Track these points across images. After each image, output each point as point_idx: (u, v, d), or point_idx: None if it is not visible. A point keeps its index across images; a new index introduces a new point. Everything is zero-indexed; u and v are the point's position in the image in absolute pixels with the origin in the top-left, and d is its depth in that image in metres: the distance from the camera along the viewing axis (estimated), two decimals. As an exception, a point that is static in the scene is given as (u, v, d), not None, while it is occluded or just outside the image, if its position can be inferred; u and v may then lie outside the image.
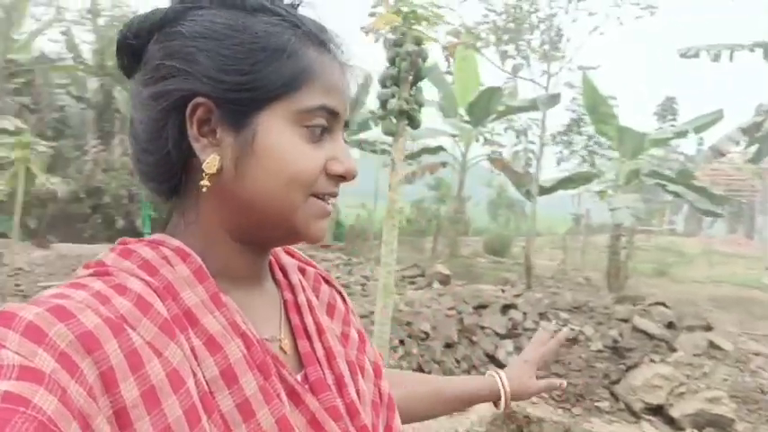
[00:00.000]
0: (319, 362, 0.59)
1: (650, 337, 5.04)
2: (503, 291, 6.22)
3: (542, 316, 5.59)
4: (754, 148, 11.00)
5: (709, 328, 5.11)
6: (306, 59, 0.54)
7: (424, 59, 4.18)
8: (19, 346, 0.39)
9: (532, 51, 9.65)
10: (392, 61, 4.24)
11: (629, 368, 4.83)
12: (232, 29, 0.52)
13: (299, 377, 0.57)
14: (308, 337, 0.60)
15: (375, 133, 14.64)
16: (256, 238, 0.56)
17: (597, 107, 10.93)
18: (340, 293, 0.71)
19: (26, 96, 13.59)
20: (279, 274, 0.64)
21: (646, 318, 5.30)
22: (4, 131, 7.75)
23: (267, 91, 0.52)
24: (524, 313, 5.62)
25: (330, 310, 0.68)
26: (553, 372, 5.02)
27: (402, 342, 4.80)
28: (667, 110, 13.16)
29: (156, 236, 0.56)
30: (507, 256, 14.08)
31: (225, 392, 0.48)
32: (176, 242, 0.54)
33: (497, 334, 5.41)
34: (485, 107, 11.90)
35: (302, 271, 0.68)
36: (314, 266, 0.71)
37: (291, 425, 0.50)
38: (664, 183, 10.30)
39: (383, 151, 15.19)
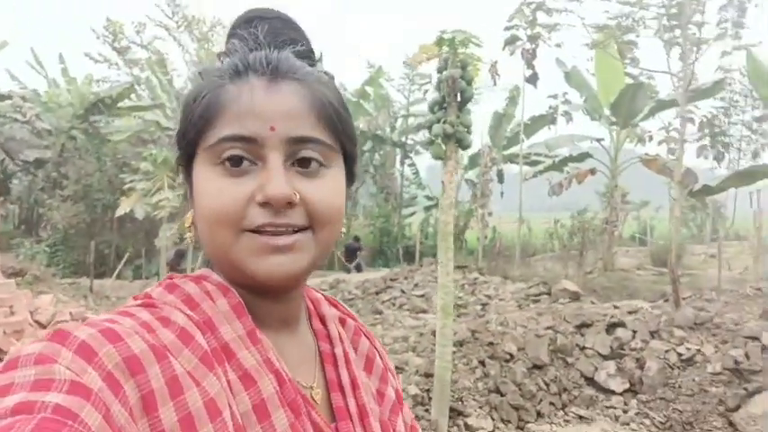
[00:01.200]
0: (351, 418, 0.58)
1: (784, 358, 4.23)
2: (616, 307, 5.73)
3: (654, 335, 5.04)
4: None
5: None
6: (220, 97, 0.53)
7: (469, 82, 4.25)
8: (71, 362, 0.41)
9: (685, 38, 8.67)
10: (438, 87, 4.40)
11: (751, 393, 4.13)
12: (183, 103, 0.57)
13: (328, 431, 0.56)
14: (342, 391, 0.59)
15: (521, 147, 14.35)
16: (237, 281, 0.55)
17: (769, 87, 9.34)
18: (377, 350, 0.69)
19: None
20: (318, 324, 0.64)
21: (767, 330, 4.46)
22: (182, 184, 9.58)
23: (187, 141, 0.54)
24: (633, 332, 5.13)
25: (368, 365, 0.66)
26: (660, 396, 4.52)
27: (482, 363, 4.78)
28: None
29: (203, 271, 0.58)
30: (679, 267, 12.48)
31: (256, 428, 0.48)
32: (219, 278, 0.56)
33: (600, 354, 5.03)
34: (629, 106, 10.94)
35: (342, 322, 0.67)
36: (355, 319, 0.70)
37: None
38: None
39: (534, 162, 14.80)
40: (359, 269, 14.54)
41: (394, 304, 7.87)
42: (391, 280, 9.37)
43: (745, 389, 4.18)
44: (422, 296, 8.33)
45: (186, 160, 0.56)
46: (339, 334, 0.64)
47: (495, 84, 5.00)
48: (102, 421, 0.39)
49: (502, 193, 18.36)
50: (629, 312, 5.48)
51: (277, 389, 0.51)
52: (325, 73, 0.59)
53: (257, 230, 0.51)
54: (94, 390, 0.40)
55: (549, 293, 7.90)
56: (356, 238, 15.86)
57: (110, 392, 0.41)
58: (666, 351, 4.77)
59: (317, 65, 0.60)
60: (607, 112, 11.50)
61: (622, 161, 12.31)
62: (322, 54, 0.61)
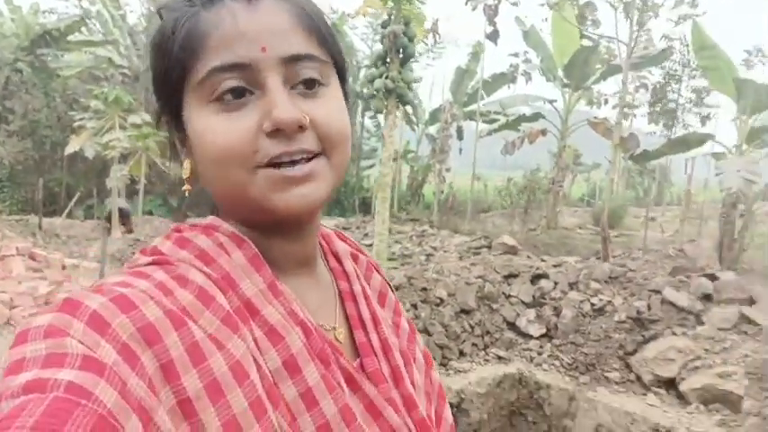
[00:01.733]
0: (375, 353, 0.58)
1: (678, 309, 4.74)
2: (543, 260, 6.16)
3: (572, 286, 5.50)
4: None
5: (751, 302, 4.63)
6: (194, 26, 0.49)
7: (411, 39, 4.39)
8: (83, 335, 0.39)
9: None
10: (381, 42, 4.53)
11: (647, 340, 4.63)
12: (154, 37, 0.52)
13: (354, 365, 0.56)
14: (364, 327, 0.60)
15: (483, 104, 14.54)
16: (253, 222, 0.54)
17: (713, 58, 9.73)
18: (387, 283, 0.70)
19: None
20: (333, 262, 0.64)
21: (682, 289, 4.96)
22: (133, 125, 9.42)
23: (171, 82, 0.50)
24: (555, 283, 5.57)
25: (382, 299, 0.67)
26: (571, 341, 5.00)
27: (414, 306, 5.14)
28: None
29: (211, 219, 0.55)
30: (618, 228, 13.20)
31: (288, 382, 0.48)
32: (230, 228, 0.53)
33: (523, 302, 5.47)
34: (581, 68, 11.22)
35: (354, 258, 0.67)
36: (365, 254, 0.70)
37: (353, 412, 0.51)
38: (788, 141, 8.90)
39: (492, 120, 15.05)
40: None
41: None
42: (343, 228, 9.63)
43: (643, 336, 4.68)
44: (369, 245, 8.64)
45: (172, 106, 0.52)
46: (354, 270, 0.64)
47: (435, 43, 5.14)
48: (118, 397, 0.37)
49: (461, 150, 18.65)
50: (554, 266, 5.92)
51: (305, 341, 0.50)
52: None
53: (271, 164, 0.49)
54: (109, 364, 0.38)
55: (489, 247, 8.32)
56: None
57: (126, 366, 0.39)
58: (581, 301, 5.22)
59: None
60: (561, 73, 11.76)
61: (573, 123, 12.70)
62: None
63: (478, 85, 14.70)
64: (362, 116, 19.69)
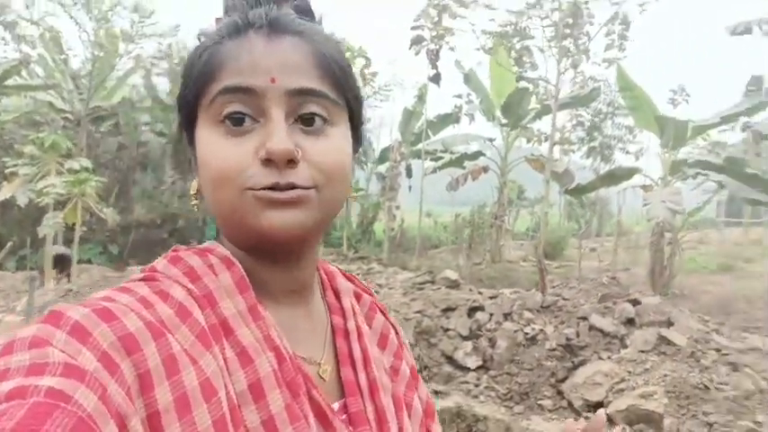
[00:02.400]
0: (361, 392, 0.57)
1: (605, 334, 4.92)
2: (480, 293, 6.30)
3: (507, 317, 5.63)
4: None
5: (669, 324, 4.87)
6: (218, 54, 0.52)
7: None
8: (65, 344, 0.40)
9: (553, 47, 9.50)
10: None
11: (577, 366, 4.78)
12: (183, 66, 0.55)
13: (336, 405, 0.55)
14: (353, 365, 0.58)
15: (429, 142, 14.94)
16: (246, 245, 0.55)
17: (636, 98, 10.43)
18: (394, 327, 0.69)
19: (116, 137, 15.70)
20: (331, 298, 0.63)
21: (608, 315, 5.16)
22: (70, 171, 9.19)
23: (187, 101, 0.54)
24: (491, 314, 5.70)
25: (382, 342, 0.65)
26: (506, 371, 5.09)
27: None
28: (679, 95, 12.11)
29: (209, 243, 0.57)
30: (559, 259, 13.64)
31: (251, 407, 0.48)
32: (224, 251, 0.55)
33: (460, 335, 5.55)
34: (517, 108, 11.78)
35: (358, 297, 0.66)
36: (371, 294, 0.69)
37: None
38: (706, 173, 9.54)
39: (438, 158, 15.46)
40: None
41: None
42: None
43: (573, 362, 4.82)
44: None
45: (188, 124, 0.55)
46: (353, 307, 0.63)
47: (377, 91, 5.31)
48: (98, 402, 0.38)
49: (410, 187, 18.95)
50: (491, 297, 6.06)
51: (275, 367, 0.50)
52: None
53: (257, 189, 0.50)
54: (89, 370, 0.39)
55: (433, 282, 8.43)
56: None
57: (106, 372, 0.40)
58: (515, 331, 5.35)
59: (316, 22, 0.58)
60: (498, 113, 12.29)
61: (513, 160, 13.20)
62: (322, 16, 0.59)
63: (424, 125, 15.15)
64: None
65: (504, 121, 12.38)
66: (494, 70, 11.94)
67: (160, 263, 0.54)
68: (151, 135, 16.49)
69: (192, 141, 0.55)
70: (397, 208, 15.95)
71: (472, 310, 5.78)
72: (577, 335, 5.06)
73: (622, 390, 4.34)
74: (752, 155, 10.46)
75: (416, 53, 12.43)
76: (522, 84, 11.87)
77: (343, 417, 0.55)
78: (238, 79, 0.50)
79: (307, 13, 0.57)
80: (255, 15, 0.53)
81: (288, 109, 0.51)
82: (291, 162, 0.50)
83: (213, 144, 0.51)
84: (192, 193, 0.56)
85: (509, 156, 12.93)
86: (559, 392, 4.73)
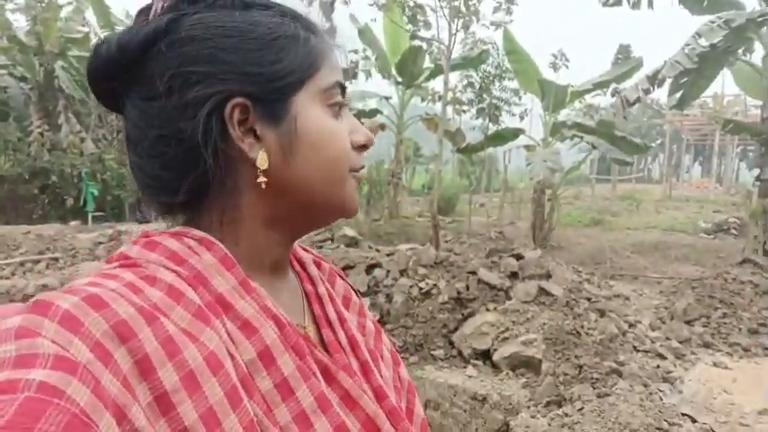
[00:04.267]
0: (344, 349, 0.61)
1: (491, 287, 5.27)
2: (377, 251, 6.43)
3: (403, 273, 5.82)
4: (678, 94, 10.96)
5: (548, 276, 5.33)
6: (312, 43, 0.57)
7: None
8: (55, 334, 0.39)
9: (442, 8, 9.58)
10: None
11: (466, 318, 5.09)
12: (245, 23, 0.53)
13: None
14: (331, 326, 0.62)
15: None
16: (300, 222, 0.58)
17: (521, 62, 10.92)
18: (353, 289, 0.74)
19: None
20: (298, 267, 0.66)
21: (495, 269, 5.52)
22: None
23: (296, 76, 0.54)
24: (387, 271, 5.85)
25: (346, 303, 0.70)
26: (402, 325, 5.30)
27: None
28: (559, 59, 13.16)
29: (178, 228, 0.56)
30: (451, 214, 14.28)
31: (263, 374, 0.49)
32: (200, 233, 0.54)
33: (360, 292, 5.65)
34: (411, 67, 11.85)
35: (317, 265, 0.70)
36: (327, 262, 0.74)
37: (330, 401, 0.52)
38: (582, 134, 10.36)
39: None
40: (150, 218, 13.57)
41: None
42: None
43: (462, 314, 5.13)
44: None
45: (270, 97, 0.53)
46: (318, 275, 0.67)
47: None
48: (92, 395, 0.37)
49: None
50: (387, 255, 6.21)
51: (278, 334, 0.52)
52: None
53: (354, 170, 0.59)
54: (82, 362, 0.38)
55: (332, 239, 8.46)
56: None
57: (99, 363, 0.39)
58: (411, 286, 5.55)
59: None
60: (394, 71, 12.31)
61: (409, 118, 13.39)
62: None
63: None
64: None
65: (399, 79, 12.43)
66: (388, 27, 11.86)
67: (132, 249, 0.53)
68: (11, 80, 14.54)
69: (276, 112, 0.54)
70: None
71: (370, 268, 5.90)
72: (467, 288, 5.36)
73: (507, 338, 4.70)
74: (620, 118, 11.50)
75: (309, 3, 11.97)
76: (416, 42, 11.95)
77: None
78: (340, 77, 0.59)
79: None
80: (313, 22, 0.60)
81: None
82: (368, 149, 0.60)
83: (329, 125, 0.56)
84: (264, 168, 0.53)
85: (405, 114, 13.07)
86: (451, 343, 5.03)
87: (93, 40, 15.89)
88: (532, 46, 11.09)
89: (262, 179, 0.53)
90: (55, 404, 0.35)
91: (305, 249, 0.71)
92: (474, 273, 5.47)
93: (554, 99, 10.55)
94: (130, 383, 0.41)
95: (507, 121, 17.43)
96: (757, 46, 9.28)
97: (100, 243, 8.55)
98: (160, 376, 0.42)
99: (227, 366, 0.46)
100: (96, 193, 12.93)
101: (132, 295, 0.45)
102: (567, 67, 21.45)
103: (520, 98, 18.63)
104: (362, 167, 0.60)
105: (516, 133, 11.35)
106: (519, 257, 5.67)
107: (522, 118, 20.14)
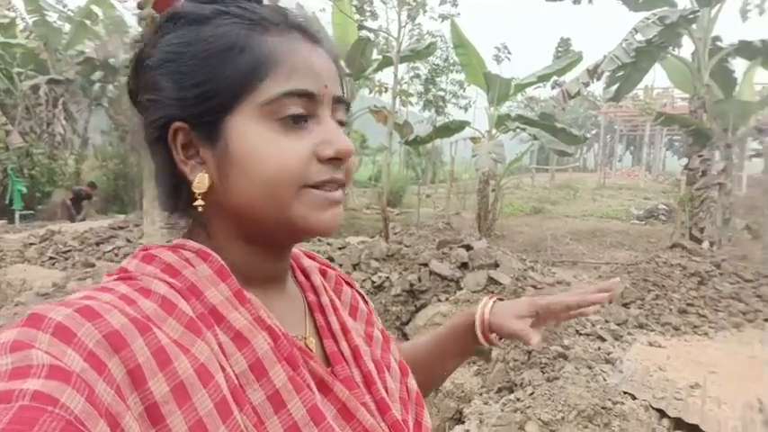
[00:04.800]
0: (346, 360, 0.60)
1: (443, 278, 5.39)
2: (329, 244, 6.43)
3: (356, 266, 5.86)
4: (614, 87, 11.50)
5: (496, 266, 5.51)
6: (264, 48, 0.52)
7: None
8: (49, 346, 0.40)
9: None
10: (139, 25, 4.17)
11: (419, 309, 5.19)
12: (186, 45, 0.52)
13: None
14: (334, 337, 0.61)
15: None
16: (268, 239, 0.56)
17: (467, 55, 11.11)
18: (361, 295, 0.72)
19: None
20: (301, 277, 0.65)
21: (445, 261, 5.64)
22: None
23: (226, 94, 0.52)
24: (340, 265, 5.87)
25: (353, 311, 0.69)
26: (356, 318, 5.35)
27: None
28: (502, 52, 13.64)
29: (177, 241, 0.56)
30: (399, 206, 14.42)
31: (255, 385, 0.49)
32: (197, 245, 0.55)
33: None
34: (359, 59, 11.82)
35: (323, 273, 0.69)
36: (334, 269, 0.72)
37: (323, 413, 0.51)
38: (524, 126, 10.69)
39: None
40: (78, 217, 12.84)
41: (117, 255, 7.39)
42: (119, 228, 8.72)
43: (415, 305, 5.23)
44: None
45: (207, 117, 0.52)
46: (322, 283, 0.65)
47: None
48: (86, 403, 0.37)
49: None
50: (339, 248, 6.22)
51: (272, 345, 0.51)
52: None
53: (315, 186, 0.53)
54: (75, 371, 0.38)
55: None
56: (91, 185, 13.99)
57: (93, 372, 0.39)
58: (364, 280, 5.60)
59: None
60: (342, 62, 12.24)
61: (357, 110, 13.38)
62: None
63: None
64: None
65: (347, 70, 12.38)
66: (336, 17, 11.77)
67: (131, 263, 0.53)
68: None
69: (210, 134, 0.53)
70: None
71: (322, 262, 5.90)
72: (419, 280, 5.47)
73: (458, 327, 4.84)
74: (560, 111, 11.94)
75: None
76: (364, 33, 11.94)
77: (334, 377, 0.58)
78: (302, 84, 0.52)
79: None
80: (293, 16, 0.55)
81: (330, 113, 0.56)
82: (342, 161, 0.55)
83: (269, 141, 0.52)
84: (201, 191, 0.53)
85: (352, 106, 13.04)
86: (404, 334, 5.12)
87: (20, 26, 14.89)
88: (476, 38, 11.31)
89: (198, 202, 0.54)
90: (49, 412, 0.36)
91: (311, 257, 0.70)
92: (425, 264, 5.57)
93: (499, 92, 10.83)
94: (123, 393, 0.41)
95: (452, 113, 17.71)
96: (686, 41, 9.84)
97: (31, 244, 8.08)
98: (150, 387, 0.42)
99: (218, 378, 0.46)
100: (24, 190, 12.18)
101: (126, 306, 0.45)
102: (510, 59, 22.04)
103: (464, 90, 19.00)
104: (331, 182, 0.54)
105: (462, 125, 11.58)
106: (468, 248, 5.82)
107: (465, 110, 20.54)
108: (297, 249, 0.70)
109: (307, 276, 0.66)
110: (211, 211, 0.55)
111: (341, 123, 0.57)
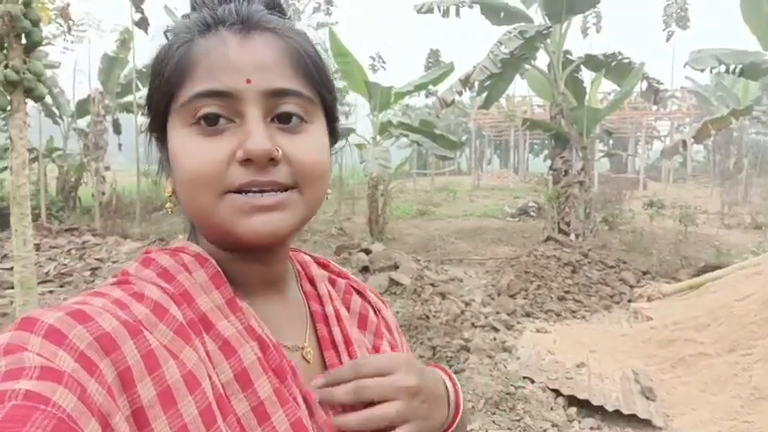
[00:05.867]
0: None
1: (345, 283, 5.42)
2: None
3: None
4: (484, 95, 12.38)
5: (395, 267, 5.66)
6: (187, 52, 0.50)
7: (35, 23, 3.72)
8: (41, 348, 0.40)
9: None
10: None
11: (322, 316, 5.16)
12: (154, 59, 0.53)
13: None
14: (336, 349, 0.59)
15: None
16: (222, 244, 0.55)
17: (348, 64, 11.26)
18: (372, 305, 0.69)
19: None
20: (307, 286, 0.63)
21: (347, 265, 5.68)
22: None
23: (159, 101, 0.52)
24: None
25: (362, 322, 0.66)
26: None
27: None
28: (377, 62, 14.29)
29: (179, 243, 0.56)
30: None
31: (240, 396, 0.48)
32: (197, 249, 0.54)
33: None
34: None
35: (332, 282, 0.67)
36: (346, 278, 0.70)
37: (307, 428, 0.49)
38: (407, 133, 11.09)
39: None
40: None
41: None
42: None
43: (319, 312, 5.20)
44: (11, 269, 7.07)
45: (159, 124, 0.54)
46: (329, 293, 0.63)
47: (69, 30, 4.50)
48: (78, 402, 0.37)
49: (120, 145, 16.84)
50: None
51: (260, 356, 0.50)
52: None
53: (240, 190, 0.49)
54: (67, 372, 0.39)
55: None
56: None
57: (84, 372, 0.39)
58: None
59: (287, 18, 0.56)
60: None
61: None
62: (292, 11, 0.54)
63: (134, 75, 13.56)
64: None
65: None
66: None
67: (132, 266, 0.53)
68: None
69: (163, 142, 0.54)
70: (107, 169, 14.09)
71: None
72: (321, 287, 5.44)
73: (363, 330, 4.90)
74: (434, 118, 12.57)
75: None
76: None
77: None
78: (213, 83, 0.49)
79: (277, 8, 0.56)
80: (226, 12, 0.52)
81: (264, 109, 0.51)
82: (272, 161, 0.50)
83: (187, 145, 0.50)
84: (167, 195, 0.55)
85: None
86: (309, 343, 5.06)
87: None
88: (354, 48, 11.53)
89: (168, 205, 0.55)
90: (41, 410, 0.36)
91: (324, 265, 0.69)
92: (326, 271, 5.56)
93: (380, 100, 11.11)
94: (114, 395, 0.41)
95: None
96: (541, 54, 10.87)
97: None
98: (138, 390, 0.42)
99: (205, 386, 0.46)
100: None
101: (117, 310, 0.45)
102: (385, 69, 22.73)
103: (343, 97, 19.22)
104: (254, 185, 0.49)
105: (348, 132, 11.69)
106: (367, 252, 5.91)
107: (347, 116, 20.84)
108: (307, 257, 0.68)
109: (313, 285, 0.64)
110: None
111: (287, 116, 0.51)
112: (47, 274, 6.75)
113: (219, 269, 0.53)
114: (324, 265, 0.69)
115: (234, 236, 0.51)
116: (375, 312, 0.70)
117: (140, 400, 0.42)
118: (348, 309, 0.66)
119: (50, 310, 0.43)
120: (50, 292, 5.99)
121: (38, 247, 7.57)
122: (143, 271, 0.52)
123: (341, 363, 0.59)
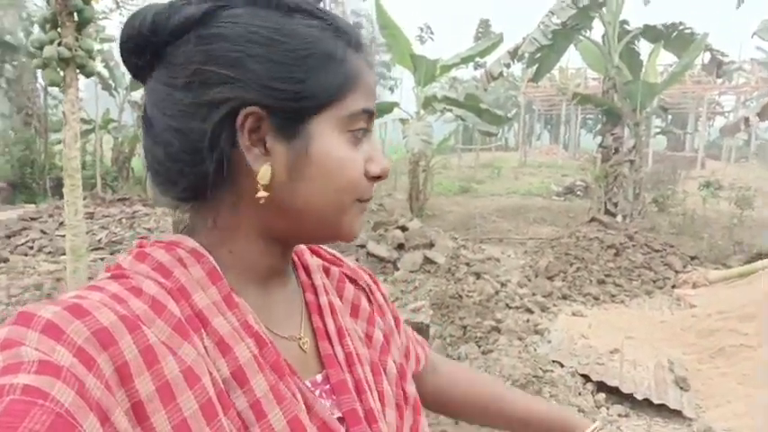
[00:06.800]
0: (340, 365, 0.59)
1: (380, 259, 5.48)
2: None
3: (291, 251, 5.82)
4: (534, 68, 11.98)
5: (431, 245, 5.67)
6: (350, 64, 0.53)
7: (86, 1, 3.85)
8: (38, 343, 0.40)
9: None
10: (48, 2, 3.87)
11: (357, 291, 5.25)
12: (279, 33, 0.51)
13: (319, 377, 0.58)
14: (330, 340, 0.61)
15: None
16: (295, 238, 0.57)
17: (394, 36, 11.12)
18: (365, 289, 0.71)
19: None
20: (303, 275, 0.64)
21: (382, 242, 5.73)
22: None
23: (320, 99, 0.52)
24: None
25: (354, 311, 0.67)
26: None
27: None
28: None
29: (174, 237, 0.55)
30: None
31: (238, 392, 0.49)
32: (193, 243, 0.54)
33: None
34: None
35: (326, 271, 0.68)
36: (340, 265, 0.71)
37: (304, 425, 0.50)
38: (451, 107, 10.92)
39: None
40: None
41: (32, 247, 6.89)
42: (31, 219, 8.10)
43: (353, 287, 5.28)
44: (65, 236, 7.51)
45: (289, 114, 0.51)
46: (323, 284, 0.65)
47: (117, 6, 4.63)
48: (76, 396, 0.38)
49: (171, 117, 17.30)
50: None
51: (256, 353, 0.51)
52: None
53: (362, 200, 0.56)
54: (65, 366, 0.39)
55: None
56: None
57: (82, 367, 0.40)
58: (300, 265, 5.58)
59: None
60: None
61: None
62: None
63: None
64: (45, 80, 16.49)
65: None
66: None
67: (126, 259, 0.53)
68: None
69: (289, 129, 0.52)
70: (158, 140, 14.59)
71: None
72: (357, 261, 5.52)
73: (398, 307, 4.95)
74: (482, 91, 12.28)
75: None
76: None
77: (327, 387, 0.59)
78: (371, 103, 0.56)
79: None
80: (361, 38, 0.57)
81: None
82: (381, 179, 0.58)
83: (342, 153, 0.54)
84: (264, 182, 0.52)
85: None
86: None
87: None
88: (401, 18, 11.34)
89: (261, 193, 0.52)
90: (39, 405, 0.36)
91: (316, 253, 0.70)
92: (363, 246, 5.63)
93: (425, 73, 10.95)
94: (112, 389, 0.41)
95: (380, 94, 17.74)
96: (597, 24, 10.38)
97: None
98: (136, 384, 0.43)
99: (205, 381, 0.46)
100: None
101: (116, 305, 0.46)
102: (433, 40, 22.29)
103: (390, 71, 19.07)
104: (370, 198, 0.57)
105: (391, 106, 11.62)
106: (404, 229, 5.93)
107: (392, 90, 20.64)
108: (302, 246, 0.68)
109: (309, 275, 0.65)
110: (252, 204, 0.53)
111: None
112: (99, 241, 7.12)
113: (216, 265, 0.53)
114: (316, 252, 0.70)
115: (345, 235, 0.57)
116: (368, 297, 0.70)
117: (139, 394, 0.42)
118: (341, 297, 0.67)
119: (48, 305, 0.44)
120: (102, 259, 6.33)
121: (91, 216, 7.98)
122: (138, 265, 0.51)
123: (335, 354, 0.61)
